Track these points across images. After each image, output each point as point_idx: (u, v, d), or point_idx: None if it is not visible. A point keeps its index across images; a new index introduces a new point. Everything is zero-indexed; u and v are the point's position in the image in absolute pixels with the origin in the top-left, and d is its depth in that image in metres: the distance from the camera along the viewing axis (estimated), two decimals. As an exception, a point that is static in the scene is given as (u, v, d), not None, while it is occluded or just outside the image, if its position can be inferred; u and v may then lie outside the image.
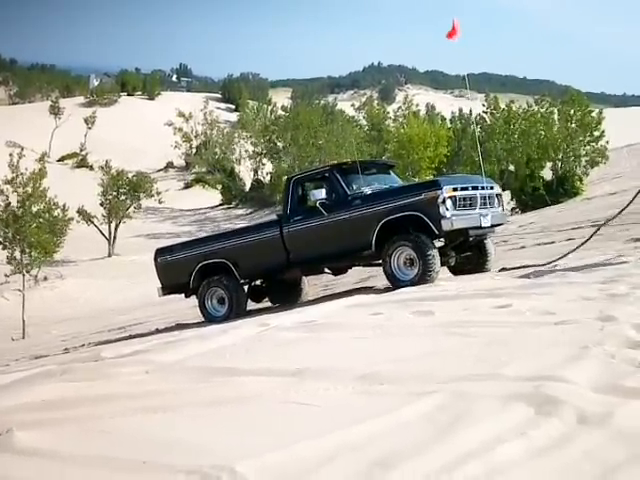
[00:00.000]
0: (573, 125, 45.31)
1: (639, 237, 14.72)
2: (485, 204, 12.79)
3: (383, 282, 13.41)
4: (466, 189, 12.53)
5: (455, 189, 12.24)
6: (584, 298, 7.99)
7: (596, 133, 45.32)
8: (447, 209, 11.93)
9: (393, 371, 5.54)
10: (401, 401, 4.78)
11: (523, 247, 18.00)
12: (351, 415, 4.63)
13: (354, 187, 13.23)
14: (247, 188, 66.67)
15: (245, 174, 68.90)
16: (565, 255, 11.91)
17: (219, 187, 68.45)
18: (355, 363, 5.95)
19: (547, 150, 44.81)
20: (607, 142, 45.94)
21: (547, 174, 44.87)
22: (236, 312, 13.61)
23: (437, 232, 12.07)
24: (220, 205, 66.51)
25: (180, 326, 14.63)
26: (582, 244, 12.38)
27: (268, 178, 63.64)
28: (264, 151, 64.46)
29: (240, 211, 62.47)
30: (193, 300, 14.69)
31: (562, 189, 42.29)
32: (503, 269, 12.47)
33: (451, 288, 10.55)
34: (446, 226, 11.93)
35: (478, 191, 12.73)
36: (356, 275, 16.59)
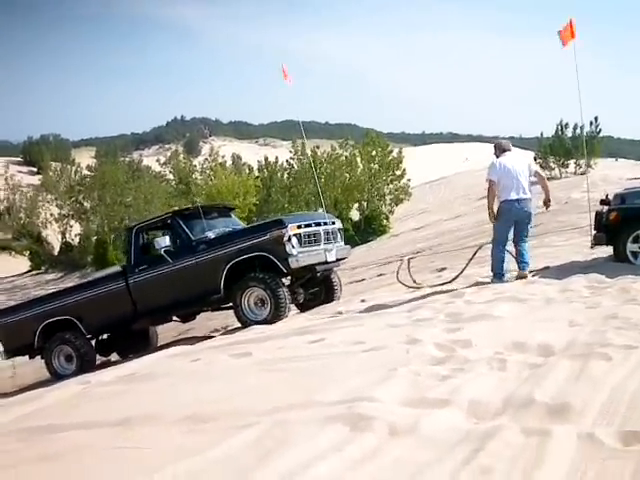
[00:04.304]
0: (375, 166, 46.90)
1: (443, 267, 15.63)
2: (329, 239, 13.16)
3: (204, 332, 13.53)
4: (309, 226, 12.81)
5: (299, 226, 12.51)
6: (392, 325, 8.48)
7: (398, 172, 47.09)
8: (293, 247, 12.20)
9: (215, 410, 5.75)
10: (225, 435, 5.01)
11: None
12: (181, 451, 4.82)
13: (198, 232, 13.25)
14: (56, 252, 64.94)
15: (53, 238, 67.03)
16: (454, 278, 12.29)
17: (27, 253, 66.39)
18: (178, 407, 6.10)
19: (353, 191, 46.19)
20: (409, 180, 47.84)
21: (355, 215, 46.20)
22: (85, 368, 13.31)
23: (285, 270, 12.31)
24: (29, 271, 64.39)
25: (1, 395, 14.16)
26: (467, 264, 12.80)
27: (77, 240, 62.26)
28: (71, 212, 63.09)
29: (50, 276, 60.54)
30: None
31: (370, 228, 43.67)
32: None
33: (267, 330, 10.82)
34: (293, 264, 12.18)
35: (321, 227, 13.08)
36: (176, 329, 16.60)
